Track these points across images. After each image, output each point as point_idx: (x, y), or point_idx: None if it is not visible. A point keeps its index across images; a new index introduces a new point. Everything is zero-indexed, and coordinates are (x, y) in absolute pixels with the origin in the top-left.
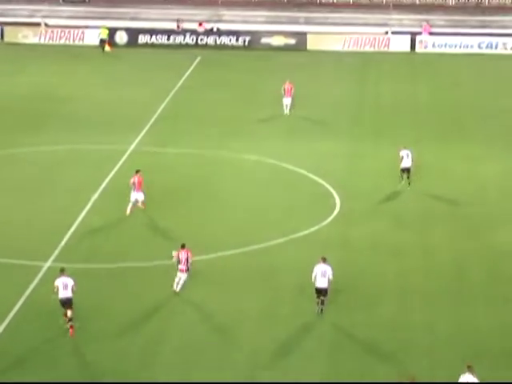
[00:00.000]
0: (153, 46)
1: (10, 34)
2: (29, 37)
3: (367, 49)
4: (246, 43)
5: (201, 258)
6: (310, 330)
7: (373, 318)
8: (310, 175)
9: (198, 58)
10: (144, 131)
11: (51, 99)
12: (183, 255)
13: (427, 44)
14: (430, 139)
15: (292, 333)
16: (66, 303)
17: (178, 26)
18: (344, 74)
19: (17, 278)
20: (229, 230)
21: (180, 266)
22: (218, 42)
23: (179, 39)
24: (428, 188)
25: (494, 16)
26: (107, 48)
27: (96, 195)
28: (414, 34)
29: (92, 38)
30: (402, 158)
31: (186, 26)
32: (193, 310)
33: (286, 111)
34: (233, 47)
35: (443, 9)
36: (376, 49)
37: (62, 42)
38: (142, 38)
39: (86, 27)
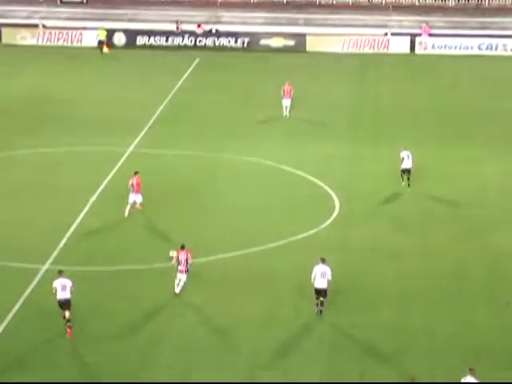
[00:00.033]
0: (151, 47)
1: (8, 36)
2: (27, 38)
3: (367, 50)
4: (245, 45)
5: (200, 260)
6: (310, 332)
7: (372, 320)
8: (309, 177)
9: (197, 60)
10: (142, 133)
11: (49, 101)
12: (183, 256)
13: (427, 45)
14: (429, 141)
15: (291, 334)
16: (65, 304)
17: (177, 28)
18: (343, 76)
19: (15, 280)
20: (228, 232)
21: (179, 267)
22: (217, 44)
23: (178, 41)
24: (428, 190)
25: (494, 17)
26: (105, 49)
27: (94, 197)
28: (413, 36)
29: (90, 39)
30: (403, 159)
31: (184, 27)
32: (192, 311)
33: (286, 113)
34: (232, 49)
35: (443, 10)
36: (375, 50)
37: (60, 43)
38: (141, 40)
39: (84, 28)
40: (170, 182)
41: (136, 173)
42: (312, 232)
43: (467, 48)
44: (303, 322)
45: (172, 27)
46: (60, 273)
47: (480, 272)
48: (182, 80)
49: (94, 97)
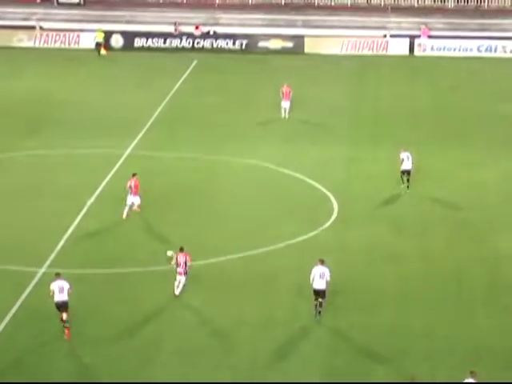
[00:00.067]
0: (149, 49)
1: (5, 38)
2: (23, 40)
3: (365, 52)
4: (243, 46)
5: (199, 263)
6: (309, 333)
7: (372, 321)
8: (308, 180)
9: (195, 62)
10: (140, 135)
11: (47, 103)
12: (181, 258)
13: (426, 47)
14: (428, 143)
15: (290, 336)
16: (62, 306)
17: (175, 29)
18: (342, 78)
19: (13, 282)
20: (226, 234)
21: (178, 269)
22: (215, 46)
23: (175, 42)
24: (427, 192)
25: (494, 19)
26: (103, 51)
27: (92, 199)
28: (412, 37)
29: (88, 41)
30: (403, 160)
31: (182, 29)
32: (191, 313)
33: (284, 114)
34: (230, 50)
35: (442, 12)
36: (374, 52)
37: (58, 45)
38: (138, 42)
39: (82, 30)
40: (169, 184)
41: (134, 174)
42: (311, 234)
43: (466, 50)
44: (302, 323)
45: (170, 29)
46: (57, 275)
47: (479, 274)
48: (179, 82)
49: (91, 99)
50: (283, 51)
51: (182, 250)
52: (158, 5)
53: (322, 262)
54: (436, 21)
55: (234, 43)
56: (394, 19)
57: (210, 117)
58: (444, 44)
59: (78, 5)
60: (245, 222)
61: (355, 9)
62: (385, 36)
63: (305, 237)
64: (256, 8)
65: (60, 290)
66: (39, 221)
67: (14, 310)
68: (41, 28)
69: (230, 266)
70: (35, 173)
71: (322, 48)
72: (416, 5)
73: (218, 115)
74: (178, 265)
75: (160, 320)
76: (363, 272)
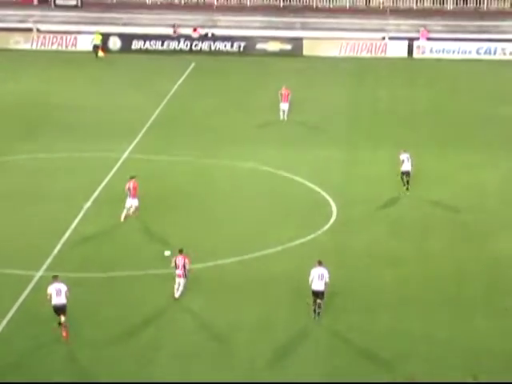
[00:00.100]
0: (147, 51)
1: (1, 40)
2: (20, 43)
3: (364, 54)
4: (241, 49)
5: (198, 266)
6: (307, 336)
7: (371, 324)
8: (306, 182)
9: (193, 64)
10: (138, 138)
11: (44, 106)
12: (180, 261)
13: (425, 49)
14: (427, 145)
15: (289, 338)
16: (60, 309)
17: (174, 32)
18: (341, 80)
19: (10, 286)
20: (225, 238)
21: (177, 272)
22: (213, 48)
23: (173, 45)
24: (427, 194)
25: (493, 21)
26: (100, 53)
27: (89, 203)
28: (411, 40)
29: (85, 43)
30: (403, 161)
31: (180, 31)
32: (190, 317)
33: (283, 117)
34: (228, 53)
35: (441, 14)
36: (373, 54)
37: (55, 47)
38: (136, 44)
39: (79, 33)
40: (166, 188)
41: (132, 177)
42: (309, 237)
43: (465, 52)
44: (301, 326)
45: (167, 31)
46: (55, 277)
47: (479, 276)
48: (177, 84)
49: (89, 101)
50: (282, 53)
51: (180, 252)
52: (156, 7)
53: (321, 263)
54: (435, 23)
55: (232, 45)
56: (392, 21)
57: (208, 119)
58: (443, 46)
59: (75, 7)
60: (243, 225)
61: (354, 11)
62: (383, 38)
63: (304, 240)
64: (254, 10)
65: (57, 293)
66: (36, 224)
67: (11, 314)
68: (38, 30)
69: (228, 269)
70: (32, 176)
71: (321, 50)
72: (415, 7)
73: (216, 118)
74: (176, 267)
75: (158, 323)
76: (362, 274)
